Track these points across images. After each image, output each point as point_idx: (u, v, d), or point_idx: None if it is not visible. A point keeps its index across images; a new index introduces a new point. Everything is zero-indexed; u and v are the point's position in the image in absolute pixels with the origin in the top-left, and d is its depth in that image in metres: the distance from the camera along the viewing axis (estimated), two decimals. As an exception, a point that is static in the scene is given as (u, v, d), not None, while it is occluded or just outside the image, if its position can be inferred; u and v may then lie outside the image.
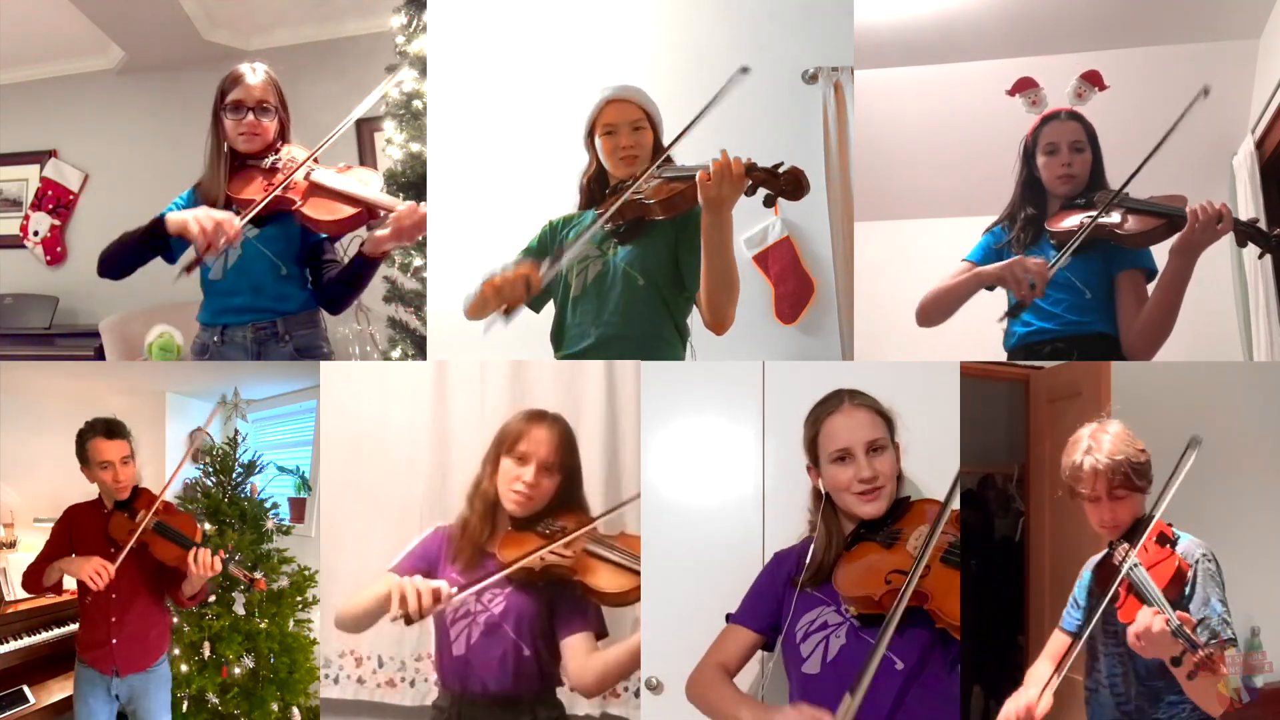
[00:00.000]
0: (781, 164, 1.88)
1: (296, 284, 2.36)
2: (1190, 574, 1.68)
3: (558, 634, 1.97)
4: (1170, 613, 1.58)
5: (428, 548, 2.07)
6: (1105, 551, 1.85)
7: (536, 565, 1.91)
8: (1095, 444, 1.80)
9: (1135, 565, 1.70)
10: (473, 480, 2.07)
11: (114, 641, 2.34)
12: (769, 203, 1.90)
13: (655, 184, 2.03)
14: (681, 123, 2.12)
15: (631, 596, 1.94)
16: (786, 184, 1.86)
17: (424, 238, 2.65)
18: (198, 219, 2.13)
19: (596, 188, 2.19)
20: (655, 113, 2.15)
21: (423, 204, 2.25)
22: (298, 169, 2.26)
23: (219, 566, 2.30)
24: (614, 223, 2.09)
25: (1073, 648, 1.81)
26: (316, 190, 2.26)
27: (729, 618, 1.91)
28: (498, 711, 1.93)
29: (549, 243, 2.18)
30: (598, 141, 2.14)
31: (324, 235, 2.34)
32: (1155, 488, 1.78)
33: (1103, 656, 1.82)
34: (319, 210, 2.25)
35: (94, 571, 2.26)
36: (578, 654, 1.94)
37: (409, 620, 1.84)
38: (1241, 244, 2.17)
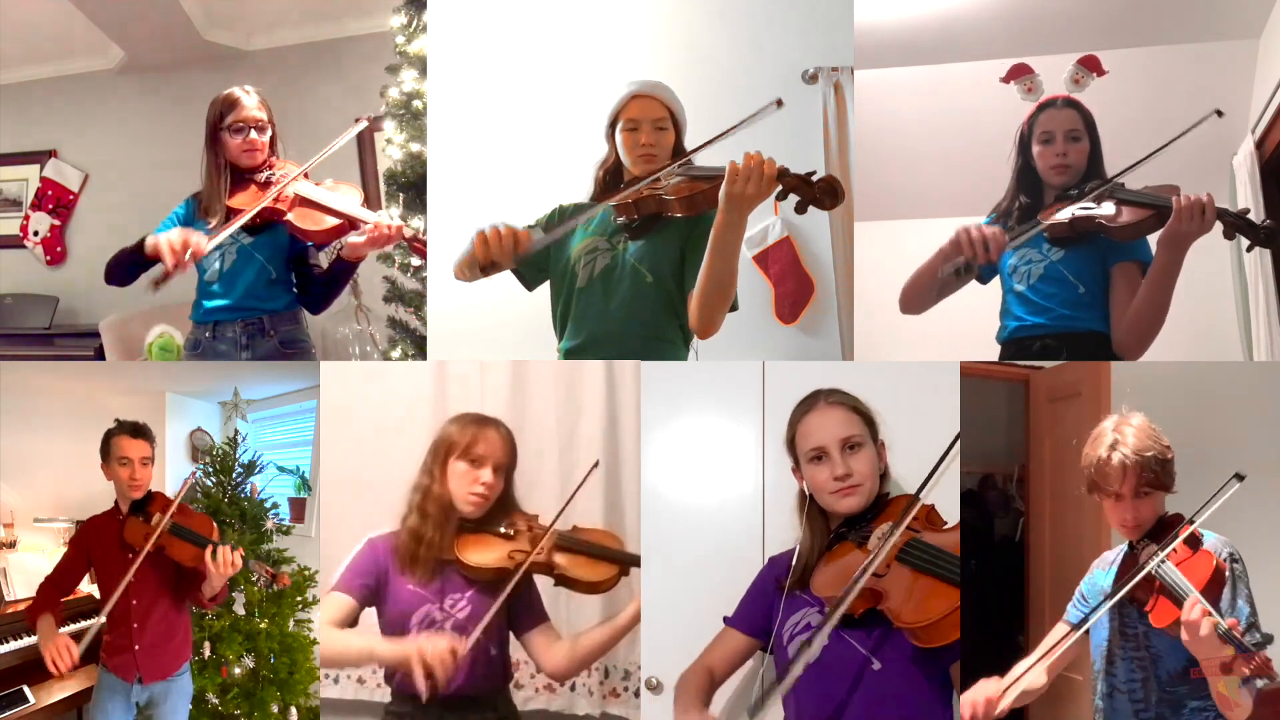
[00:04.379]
0: (814, 172, 1.83)
1: (283, 286, 2.55)
2: (1227, 575, 1.62)
3: (516, 630, 2.02)
4: (1218, 615, 1.52)
5: (372, 561, 2.00)
6: (1125, 550, 1.80)
7: (510, 566, 1.93)
8: (1121, 438, 1.72)
9: (1162, 563, 1.63)
10: (415, 487, 2.02)
11: (137, 648, 2.30)
12: (801, 209, 1.84)
13: (676, 181, 2.00)
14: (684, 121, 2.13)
15: (611, 584, 1.99)
16: (822, 192, 1.81)
17: (424, 239, 2.67)
18: (169, 239, 2.28)
19: (612, 180, 2.16)
20: (680, 112, 2.12)
21: (395, 218, 2.44)
22: (286, 184, 2.43)
23: (239, 563, 2.26)
24: (627, 217, 2.07)
25: (1067, 637, 1.78)
26: (303, 203, 2.44)
27: (725, 620, 1.92)
28: (462, 711, 1.93)
29: (555, 226, 2.15)
30: (618, 135, 2.11)
31: (309, 243, 2.50)
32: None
33: (1120, 661, 1.75)
34: (305, 220, 2.42)
35: (56, 653, 2.20)
36: (545, 644, 2.00)
37: (435, 694, 1.81)
38: (1229, 236, 2.10)
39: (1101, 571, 1.85)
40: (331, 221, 2.42)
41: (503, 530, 1.99)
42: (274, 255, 2.49)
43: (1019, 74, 2.39)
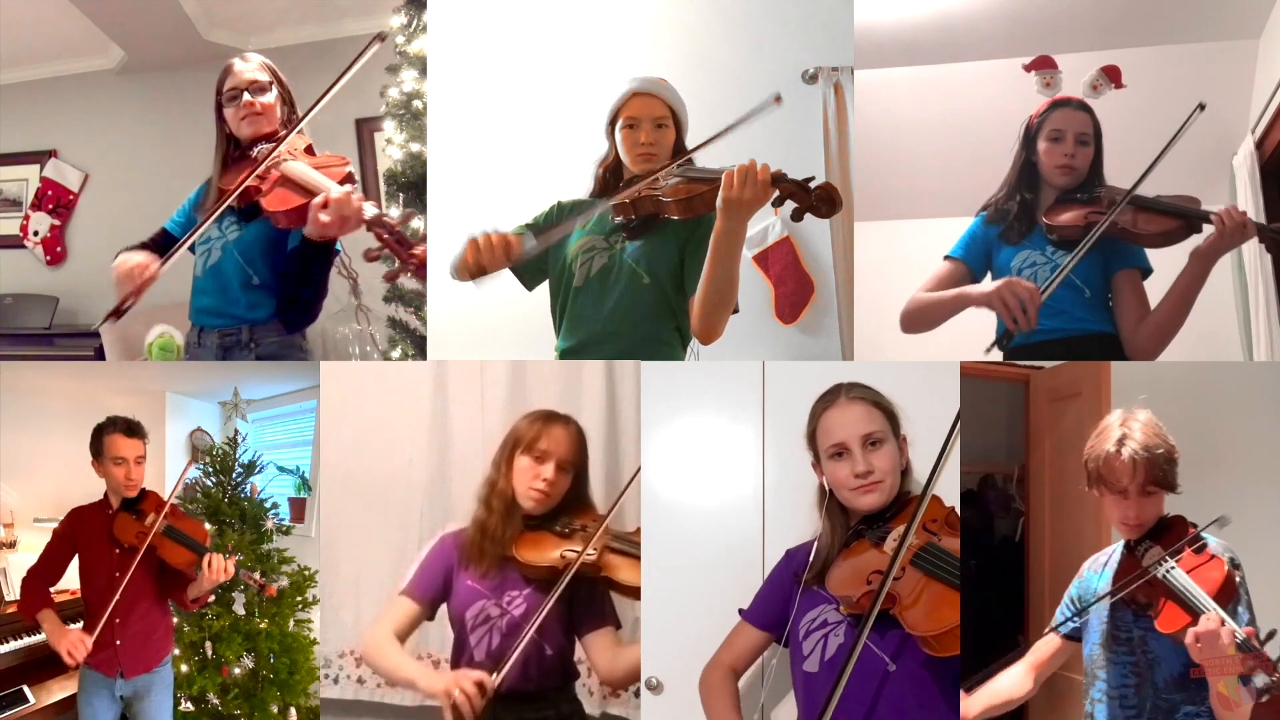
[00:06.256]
0: (813, 178, 1.79)
1: (269, 292, 2.25)
2: (1238, 582, 1.59)
3: (577, 630, 1.99)
4: (1235, 625, 1.50)
5: (441, 558, 2.03)
6: (1121, 551, 1.77)
7: (560, 565, 1.92)
8: (1129, 432, 1.69)
9: (1172, 569, 1.61)
10: (485, 481, 2.05)
11: (118, 643, 2.32)
12: (798, 217, 1.80)
13: (674, 183, 1.98)
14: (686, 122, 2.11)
15: None
16: (819, 200, 1.77)
17: (424, 237, 2.66)
18: (118, 266, 2.10)
19: (611, 178, 2.15)
20: (681, 110, 2.11)
21: (354, 192, 2.04)
22: (267, 156, 2.14)
23: (232, 571, 2.28)
24: (625, 216, 2.04)
25: (1048, 640, 1.79)
26: (284, 182, 2.13)
27: (741, 613, 1.92)
28: (520, 707, 1.93)
29: (554, 223, 2.14)
30: (618, 133, 2.09)
31: (284, 229, 2.18)
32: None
33: (1112, 665, 1.72)
34: (273, 201, 2.09)
35: (72, 645, 2.23)
36: (604, 649, 1.96)
37: None
38: (1272, 250, 2.16)
39: (1093, 574, 1.81)
40: (296, 199, 2.05)
41: (559, 529, 1.99)
42: (256, 255, 2.21)
43: (1042, 66, 2.36)
